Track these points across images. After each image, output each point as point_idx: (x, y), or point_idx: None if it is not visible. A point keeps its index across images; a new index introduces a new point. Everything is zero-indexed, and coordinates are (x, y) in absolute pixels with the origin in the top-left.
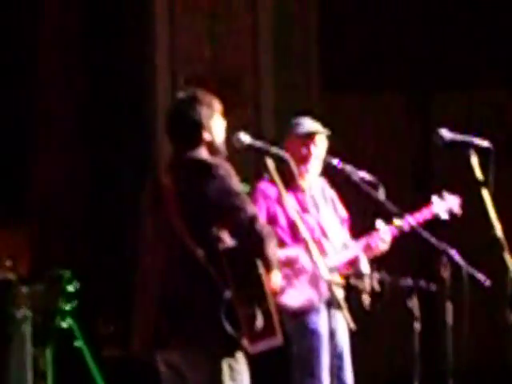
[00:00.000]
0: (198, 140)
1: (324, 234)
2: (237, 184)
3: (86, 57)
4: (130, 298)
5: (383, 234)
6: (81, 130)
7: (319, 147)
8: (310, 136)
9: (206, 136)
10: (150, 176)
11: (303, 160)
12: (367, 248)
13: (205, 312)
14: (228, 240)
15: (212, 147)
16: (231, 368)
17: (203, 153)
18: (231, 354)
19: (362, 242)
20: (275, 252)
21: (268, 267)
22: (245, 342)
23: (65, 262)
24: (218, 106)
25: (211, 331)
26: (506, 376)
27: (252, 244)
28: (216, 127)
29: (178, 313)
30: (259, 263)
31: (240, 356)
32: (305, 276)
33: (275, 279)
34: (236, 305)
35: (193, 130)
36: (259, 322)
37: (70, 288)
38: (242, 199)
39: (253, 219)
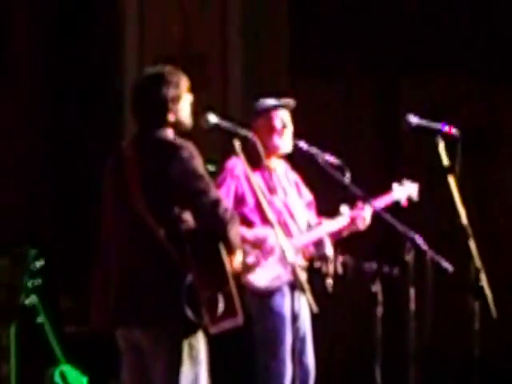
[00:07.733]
0: (162, 121)
1: (291, 215)
2: (201, 167)
3: (55, 34)
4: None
5: (365, 212)
6: (49, 104)
7: (284, 121)
8: (273, 109)
9: (171, 117)
10: (114, 151)
11: (270, 135)
12: (351, 222)
13: (165, 295)
14: (190, 222)
15: (177, 127)
16: (190, 346)
17: (168, 133)
18: (191, 334)
19: (345, 218)
20: (238, 235)
21: (230, 250)
22: (206, 324)
23: (28, 238)
24: (185, 84)
25: (172, 315)
26: (468, 362)
27: (214, 227)
28: (183, 107)
29: (139, 293)
30: (221, 246)
31: (200, 334)
32: (274, 256)
33: (237, 259)
34: (198, 288)
35: (157, 112)
36: (221, 305)
37: (36, 265)
38: (205, 182)
39: (215, 203)
